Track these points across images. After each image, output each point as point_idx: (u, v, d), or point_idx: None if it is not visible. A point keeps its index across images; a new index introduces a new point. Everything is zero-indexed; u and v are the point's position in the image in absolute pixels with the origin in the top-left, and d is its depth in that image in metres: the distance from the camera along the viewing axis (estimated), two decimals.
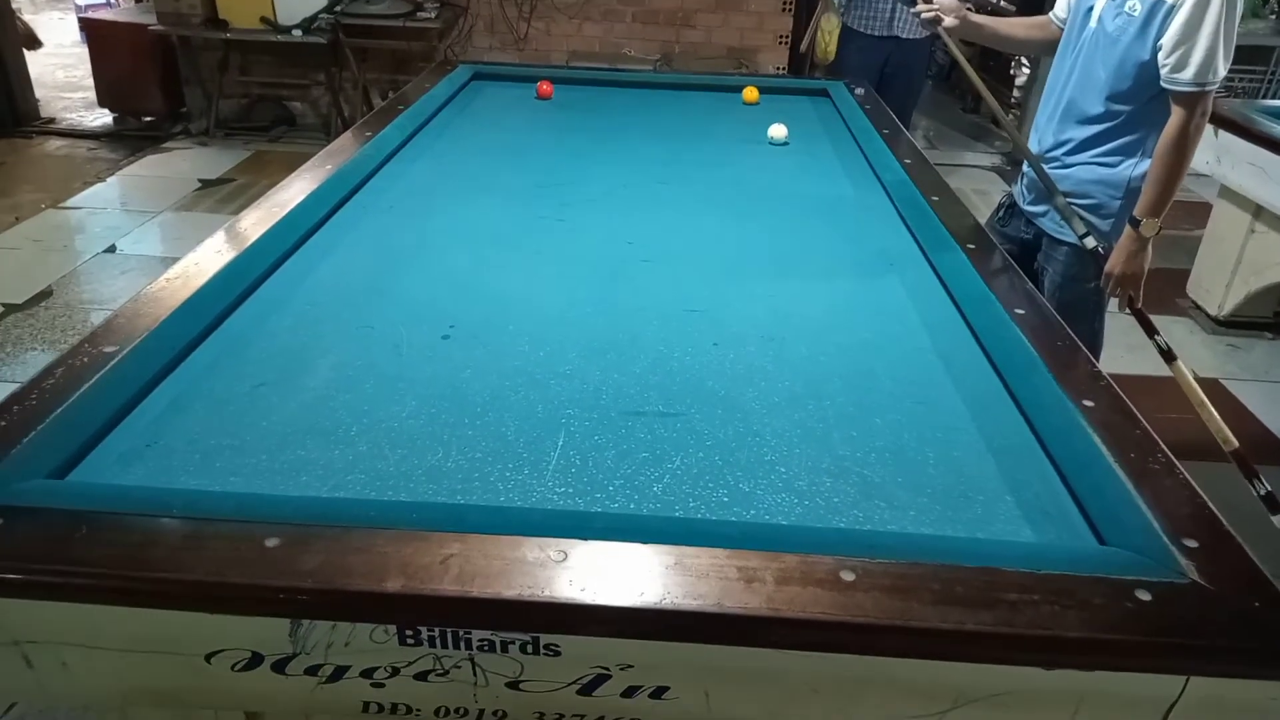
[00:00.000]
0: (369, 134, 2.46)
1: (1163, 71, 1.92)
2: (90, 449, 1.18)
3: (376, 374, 1.42)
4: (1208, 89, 1.89)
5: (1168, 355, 2.06)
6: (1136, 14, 1.96)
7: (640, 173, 2.43)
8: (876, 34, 4.07)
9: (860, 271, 1.90)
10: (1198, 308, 3.81)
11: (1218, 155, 3.40)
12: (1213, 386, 3.29)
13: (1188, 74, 1.89)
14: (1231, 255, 3.57)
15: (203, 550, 0.96)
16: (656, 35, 5.53)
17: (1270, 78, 5.42)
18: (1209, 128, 3.26)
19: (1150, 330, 2.13)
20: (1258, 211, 3.40)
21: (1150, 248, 2.06)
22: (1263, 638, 0.93)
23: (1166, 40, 1.90)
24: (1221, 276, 3.64)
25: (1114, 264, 2.09)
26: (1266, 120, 3.28)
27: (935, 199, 2.17)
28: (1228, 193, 3.54)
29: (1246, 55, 5.08)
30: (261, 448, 1.22)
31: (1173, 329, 3.70)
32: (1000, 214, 2.39)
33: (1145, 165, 2.04)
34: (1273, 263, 3.35)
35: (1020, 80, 6.68)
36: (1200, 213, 4.07)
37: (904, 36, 4.02)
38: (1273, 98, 5.23)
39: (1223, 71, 1.89)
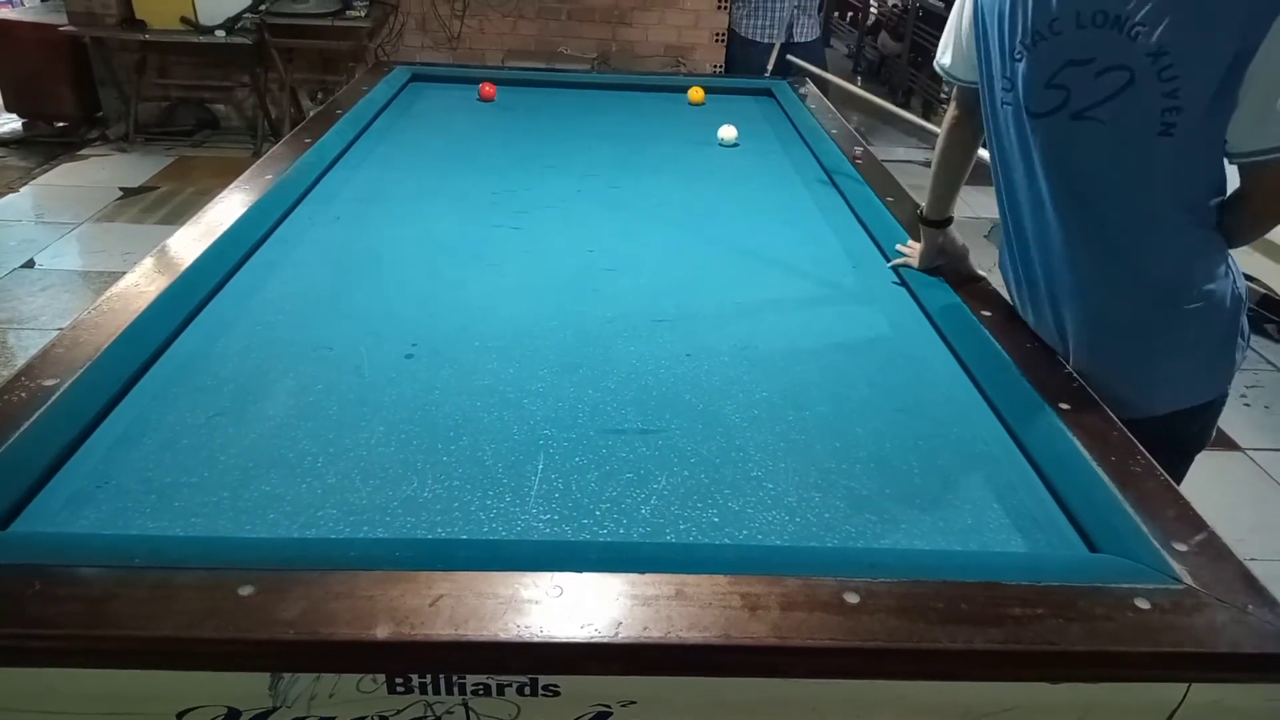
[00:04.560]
0: (308, 140, 2.36)
1: None
2: (34, 493, 1.09)
3: (339, 398, 1.35)
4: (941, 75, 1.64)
5: None
6: None
7: (592, 176, 2.38)
8: (765, 41, 4.36)
9: (824, 274, 1.89)
10: None
11: None
12: None
13: None
14: None
15: (172, 603, 0.89)
16: (592, 33, 5.47)
17: None
18: None
19: None
20: None
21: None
22: (1259, 640, 0.94)
23: None
24: None
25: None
26: None
27: (890, 199, 2.17)
28: None
29: None
30: (222, 484, 1.14)
31: None
32: None
33: None
34: None
35: None
36: None
37: (787, 41, 4.28)
38: None
39: (943, 58, 1.60)
